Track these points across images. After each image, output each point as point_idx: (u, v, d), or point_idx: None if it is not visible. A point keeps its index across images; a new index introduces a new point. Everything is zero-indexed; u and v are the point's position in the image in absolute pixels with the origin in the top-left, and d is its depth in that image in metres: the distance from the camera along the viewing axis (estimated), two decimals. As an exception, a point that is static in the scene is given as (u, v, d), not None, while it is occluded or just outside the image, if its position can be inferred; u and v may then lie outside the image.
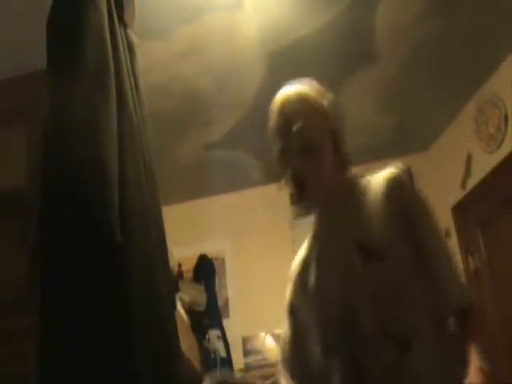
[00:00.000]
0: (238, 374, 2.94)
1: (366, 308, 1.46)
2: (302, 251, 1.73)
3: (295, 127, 1.59)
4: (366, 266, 1.48)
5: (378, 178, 1.62)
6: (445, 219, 3.73)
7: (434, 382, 1.42)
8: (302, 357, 1.61)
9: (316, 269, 1.62)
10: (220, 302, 3.73)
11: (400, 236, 1.51)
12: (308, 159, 1.59)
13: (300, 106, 1.63)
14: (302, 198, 1.62)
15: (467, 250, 3.77)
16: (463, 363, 1.41)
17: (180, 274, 3.42)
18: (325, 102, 1.66)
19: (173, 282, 2.57)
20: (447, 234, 3.76)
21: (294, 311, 1.67)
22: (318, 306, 1.57)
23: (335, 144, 1.63)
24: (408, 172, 1.63)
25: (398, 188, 1.57)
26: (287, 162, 1.62)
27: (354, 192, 1.63)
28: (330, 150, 1.62)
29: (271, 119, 1.67)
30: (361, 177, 1.67)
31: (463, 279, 1.59)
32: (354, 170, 1.69)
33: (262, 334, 4.01)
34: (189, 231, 4.05)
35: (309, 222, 1.70)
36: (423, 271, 1.49)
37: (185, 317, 2.96)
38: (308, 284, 1.62)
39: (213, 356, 3.15)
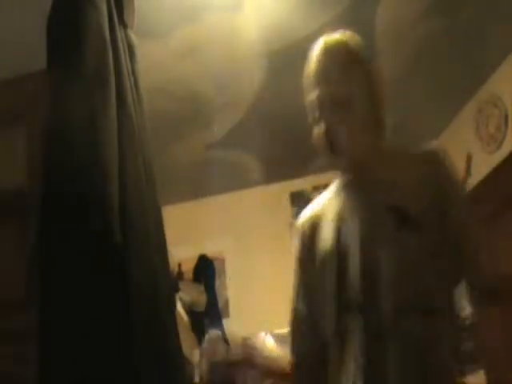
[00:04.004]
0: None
1: (390, 277, 1.44)
2: (319, 206, 1.66)
3: (332, 78, 1.51)
4: (399, 233, 1.45)
5: (414, 152, 1.58)
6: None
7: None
8: (315, 314, 1.59)
9: (340, 223, 1.55)
10: (220, 302, 3.73)
11: (434, 208, 1.48)
12: (341, 114, 1.51)
13: (341, 57, 1.54)
14: (333, 152, 1.54)
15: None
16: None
17: (180, 274, 3.42)
18: (368, 59, 1.58)
19: (173, 282, 2.57)
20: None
21: (305, 264, 1.64)
22: (338, 259, 1.52)
23: (373, 104, 1.55)
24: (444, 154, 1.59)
25: (437, 163, 1.54)
26: (320, 113, 1.53)
27: (387, 159, 1.58)
28: (366, 109, 1.54)
29: (308, 65, 1.57)
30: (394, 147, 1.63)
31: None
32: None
33: (262, 333, 4.01)
34: (189, 231, 4.05)
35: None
36: (453, 246, 1.51)
37: (185, 317, 2.96)
38: (328, 238, 1.56)
39: (213, 356, 3.14)
